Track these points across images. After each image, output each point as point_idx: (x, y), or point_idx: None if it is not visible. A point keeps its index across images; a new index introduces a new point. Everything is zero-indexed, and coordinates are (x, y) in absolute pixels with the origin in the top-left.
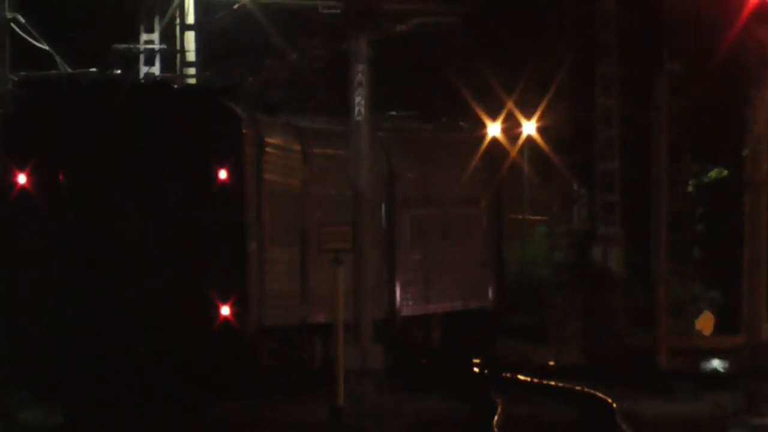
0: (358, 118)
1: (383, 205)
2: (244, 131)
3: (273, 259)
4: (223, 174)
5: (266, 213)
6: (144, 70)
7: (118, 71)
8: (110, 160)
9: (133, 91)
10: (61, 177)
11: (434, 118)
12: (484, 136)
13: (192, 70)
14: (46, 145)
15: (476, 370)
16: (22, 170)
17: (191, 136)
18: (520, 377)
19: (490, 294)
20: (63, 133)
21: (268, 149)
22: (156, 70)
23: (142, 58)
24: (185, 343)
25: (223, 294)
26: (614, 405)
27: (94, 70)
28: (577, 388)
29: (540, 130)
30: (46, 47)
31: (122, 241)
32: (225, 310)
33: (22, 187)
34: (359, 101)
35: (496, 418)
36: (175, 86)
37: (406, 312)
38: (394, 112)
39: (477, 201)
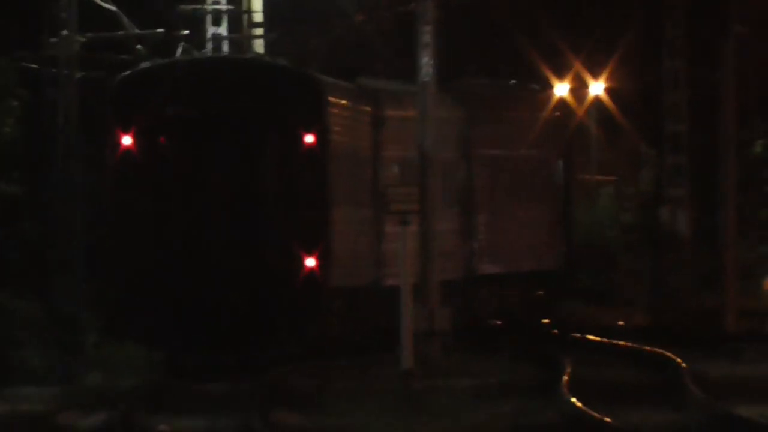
0: (425, 79)
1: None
2: (327, 98)
3: (347, 220)
4: (309, 138)
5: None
6: (211, 31)
7: (185, 32)
8: (204, 126)
9: (223, 63)
10: (161, 140)
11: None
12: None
13: (259, 31)
14: (149, 110)
15: (545, 331)
16: (126, 133)
17: (280, 104)
18: (589, 338)
19: (561, 255)
20: (163, 100)
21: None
22: (223, 31)
23: (208, 18)
24: (270, 294)
25: (309, 248)
26: (683, 365)
27: (160, 31)
28: (646, 348)
29: (607, 91)
30: (113, 8)
31: (215, 199)
32: (310, 263)
33: (127, 149)
34: (426, 62)
35: (564, 379)
36: (264, 59)
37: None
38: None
39: (554, 162)
